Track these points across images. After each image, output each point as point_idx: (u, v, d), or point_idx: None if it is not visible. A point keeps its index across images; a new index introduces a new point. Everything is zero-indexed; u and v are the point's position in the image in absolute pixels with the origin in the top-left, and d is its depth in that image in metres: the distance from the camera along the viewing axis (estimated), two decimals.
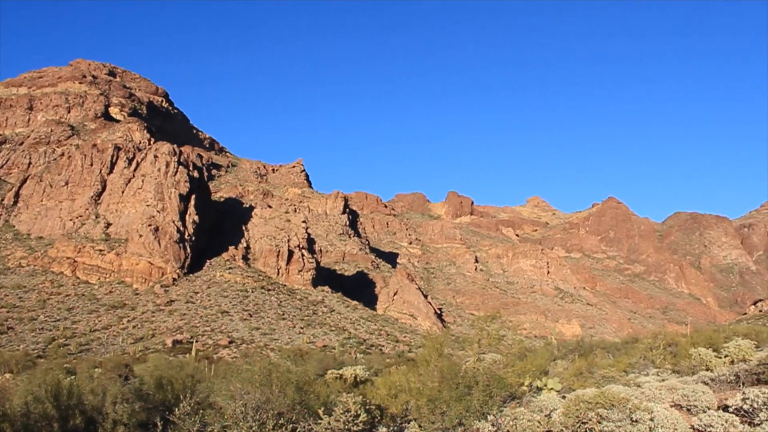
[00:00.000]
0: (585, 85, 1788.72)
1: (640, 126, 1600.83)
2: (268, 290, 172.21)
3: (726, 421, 18.40)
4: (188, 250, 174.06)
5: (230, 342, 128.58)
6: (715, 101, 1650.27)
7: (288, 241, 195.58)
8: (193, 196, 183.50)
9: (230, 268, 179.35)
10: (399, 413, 24.82)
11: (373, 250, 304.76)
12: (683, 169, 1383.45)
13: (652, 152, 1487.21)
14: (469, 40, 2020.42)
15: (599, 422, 19.17)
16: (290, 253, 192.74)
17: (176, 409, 19.67)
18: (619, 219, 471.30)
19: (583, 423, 19.42)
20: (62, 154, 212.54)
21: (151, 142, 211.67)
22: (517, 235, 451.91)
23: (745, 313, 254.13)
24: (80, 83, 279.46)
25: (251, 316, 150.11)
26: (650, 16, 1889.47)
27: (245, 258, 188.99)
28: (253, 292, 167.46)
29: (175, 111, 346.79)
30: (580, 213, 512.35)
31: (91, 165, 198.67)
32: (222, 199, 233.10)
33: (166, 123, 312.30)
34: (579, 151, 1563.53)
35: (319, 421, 19.49)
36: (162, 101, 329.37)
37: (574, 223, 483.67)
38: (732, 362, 36.69)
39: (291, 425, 18.59)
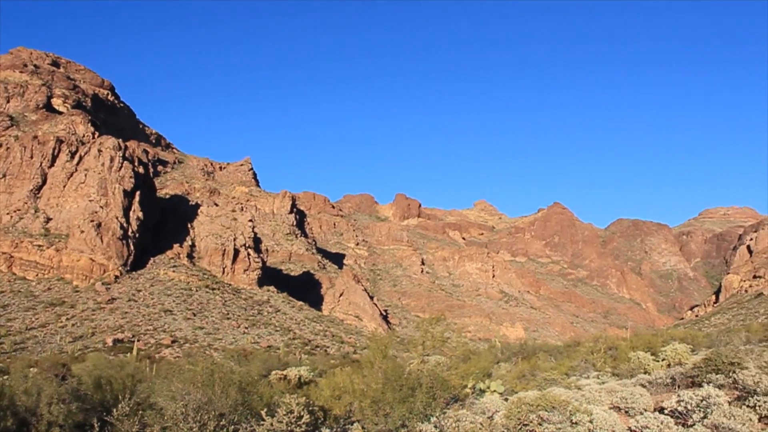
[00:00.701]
0: (531, 91, 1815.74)
1: (585, 133, 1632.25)
2: (213, 289, 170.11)
3: (661, 423, 18.81)
4: (131, 247, 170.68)
5: (173, 341, 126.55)
6: (655, 111, 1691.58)
7: (234, 240, 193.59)
8: (138, 193, 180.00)
9: (174, 266, 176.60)
10: (342, 414, 24.73)
11: (320, 250, 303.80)
12: (626, 176, 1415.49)
13: (596, 159, 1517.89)
14: (420, 42, 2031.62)
15: (540, 424, 19.39)
16: (236, 252, 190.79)
17: (115, 410, 19.20)
18: (563, 224, 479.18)
19: (524, 425, 19.62)
20: (0, 146, 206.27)
21: (96, 136, 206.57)
22: (463, 239, 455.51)
23: (682, 318, 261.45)
24: (21, 72, 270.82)
25: (195, 316, 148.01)
26: (599, 22, 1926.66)
27: (190, 256, 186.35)
28: (197, 291, 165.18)
29: (122, 105, 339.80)
30: (525, 218, 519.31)
31: (31, 157, 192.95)
32: (167, 196, 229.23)
33: (111, 117, 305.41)
34: (526, 157, 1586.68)
35: (262, 423, 19.27)
36: (108, 94, 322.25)
37: (519, 228, 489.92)
38: (669, 365, 37.57)
39: (233, 426, 18.32)
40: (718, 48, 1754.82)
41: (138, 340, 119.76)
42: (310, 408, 20.99)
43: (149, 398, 22.75)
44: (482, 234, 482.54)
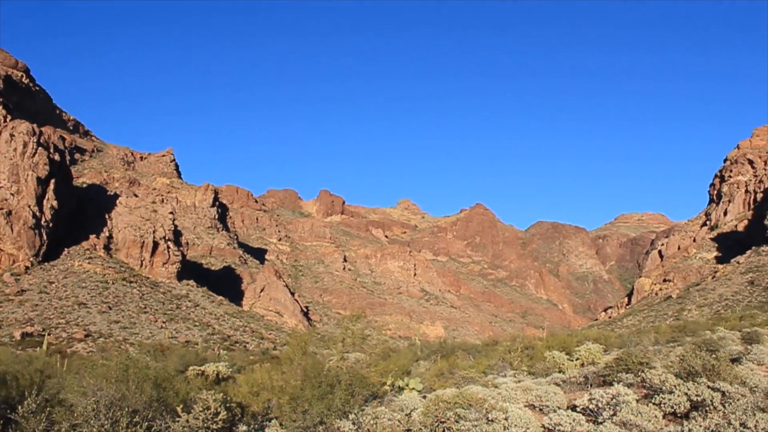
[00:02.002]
0: (455, 93, 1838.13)
1: (509, 136, 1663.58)
2: (130, 282, 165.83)
3: (573, 420, 19.30)
4: (44, 237, 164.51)
5: (86, 335, 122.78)
6: (575, 118, 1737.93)
7: (153, 232, 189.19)
8: (53, 181, 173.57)
9: (90, 257, 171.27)
10: (260, 411, 24.49)
11: (242, 245, 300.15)
12: (547, 180, 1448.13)
13: (519, 163, 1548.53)
14: (346, 42, 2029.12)
15: (457, 421, 19.61)
16: (155, 245, 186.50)
17: (20, 407, 18.42)
18: (485, 225, 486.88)
19: (441, 422, 19.80)
20: None
21: (8, 120, 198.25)
22: (386, 237, 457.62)
23: (597, 319, 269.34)
24: None
25: (110, 309, 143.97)
26: (518, 26, 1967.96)
27: (107, 248, 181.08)
28: (113, 283, 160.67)
29: (37, 88, 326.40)
30: (448, 217, 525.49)
31: None
32: (85, 185, 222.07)
33: (25, 100, 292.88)
34: (450, 157, 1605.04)
35: (177, 419, 18.89)
36: (22, 76, 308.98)
37: (442, 227, 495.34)
38: (582, 365, 38.62)
39: (146, 423, 17.86)
40: (634, 57, 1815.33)
41: (49, 334, 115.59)
42: (228, 404, 20.68)
43: (59, 394, 21.96)
44: (405, 233, 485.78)
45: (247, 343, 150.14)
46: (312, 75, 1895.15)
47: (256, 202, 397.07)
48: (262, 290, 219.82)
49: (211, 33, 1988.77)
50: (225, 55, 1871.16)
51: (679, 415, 19.23)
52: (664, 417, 19.03)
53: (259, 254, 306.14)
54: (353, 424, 19.67)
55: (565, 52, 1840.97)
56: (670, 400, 19.56)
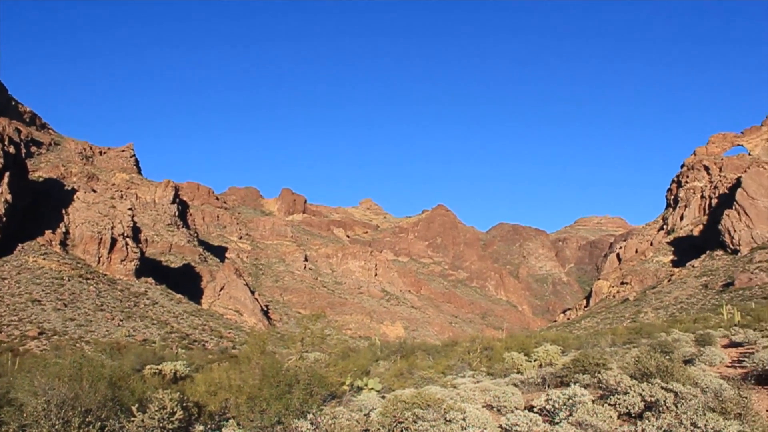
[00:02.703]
0: (419, 92, 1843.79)
1: (471, 138, 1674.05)
2: (87, 279, 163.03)
3: (530, 420, 19.47)
4: None
5: (40, 333, 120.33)
6: (537, 122, 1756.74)
7: (112, 228, 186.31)
8: (7, 174, 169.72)
9: (45, 253, 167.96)
10: (218, 411, 24.27)
11: (202, 242, 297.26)
12: (508, 182, 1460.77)
13: (480, 165, 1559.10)
14: (310, 42, 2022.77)
15: (415, 422, 19.65)
16: (113, 241, 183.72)
17: None
18: (446, 226, 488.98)
19: (399, 422, 19.82)
20: None
21: None
22: (347, 236, 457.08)
23: (555, 321, 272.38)
24: None
25: (66, 306, 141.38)
26: (479, 18, 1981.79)
27: (63, 244, 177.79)
28: (69, 280, 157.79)
29: None
30: (410, 218, 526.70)
31: None
32: (41, 179, 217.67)
33: None
34: (413, 158, 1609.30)
35: (132, 419, 18.60)
36: None
37: (403, 228, 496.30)
38: (540, 366, 39.03)
39: (100, 423, 17.54)
40: (595, 63, 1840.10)
41: (0, 332, 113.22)
42: (184, 404, 20.44)
43: (8, 394, 21.48)
44: (367, 233, 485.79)
45: (206, 341, 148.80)
46: (275, 74, 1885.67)
47: (217, 199, 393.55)
48: (221, 289, 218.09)
49: (173, 28, 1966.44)
50: (188, 51, 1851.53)
51: (633, 415, 19.51)
52: (618, 417, 19.29)
53: (220, 252, 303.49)
54: (311, 424, 19.59)
55: (526, 58, 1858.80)
56: (624, 400, 19.83)
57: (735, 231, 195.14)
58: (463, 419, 19.53)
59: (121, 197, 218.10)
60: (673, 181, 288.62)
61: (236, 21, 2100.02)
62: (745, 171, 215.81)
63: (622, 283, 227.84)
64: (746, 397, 18.09)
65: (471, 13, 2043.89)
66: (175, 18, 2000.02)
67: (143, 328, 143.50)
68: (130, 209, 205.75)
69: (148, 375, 38.95)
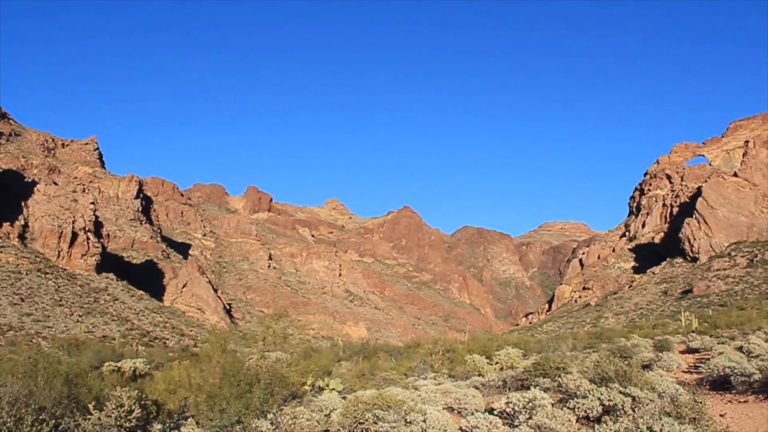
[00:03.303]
0: (387, 95, 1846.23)
1: (437, 141, 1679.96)
2: (45, 273, 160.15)
3: (490, 423, 19.59)
4: None
5: None
6: (501, 127, 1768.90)
7: (73, 222, 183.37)
8: None
9: (2, 246, 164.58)
10: (177, 410, 24.03)
11: (165, 239, 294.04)
12: (474, 186, 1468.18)
13: (447, 168, 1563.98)
14: (277, 36, 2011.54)
15: (375, 423, 19.67)
16: (74, 236, 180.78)
17: None
18: (411, 228, 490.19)
19: (360, 423, 19.82)
20: None
21: None
22: (313, 236, 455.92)
23: (517, 324, 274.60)
24: None
25: (23, 301, 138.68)
26: (446, 27, 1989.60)
27: (21, 237, 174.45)
28: (27, 274, 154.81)
29: None
30: (375, 219, 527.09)
31: None
32: (0, 171, 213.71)
33: None
34: (380, 159, 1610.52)
35: (89, 417, 18.32)
36: None
37: (369, 229, 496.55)
38: (501, 369, 39.34)
39: (54, 421, 17.23)
40: (563, 69, 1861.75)
41: None
42: (143, 402, 20.20)
43: None
44: (332, 233, 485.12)
45: (167, 339, 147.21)
46: (242, 69, 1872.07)
47: (182, 195, 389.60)
48: (184, 286, 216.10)
49: (139, 20, 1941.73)
50: (153, 43, 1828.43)
51: (591, 419, 19.74)
52: (577, 421, 19.51)
53: (183, 249, 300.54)
54: (271, 423, 19.50)
55: (492, 64, 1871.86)
56: (583, 404, 20.06)
57: (695, 239, 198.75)
58: (424, 421, 19.59)
59: (84, 191, 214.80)
60: (636, 188, 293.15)
61: (205, 13, 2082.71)
62: (706, 181, 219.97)
63: (584, 288, 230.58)
64: (701, 402, 18.43)
65: (432, 10, 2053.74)
66: (145, 6, 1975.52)
67: (103, 324, 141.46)
68: (92, 203, 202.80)
69: (107, 372, 38.47)
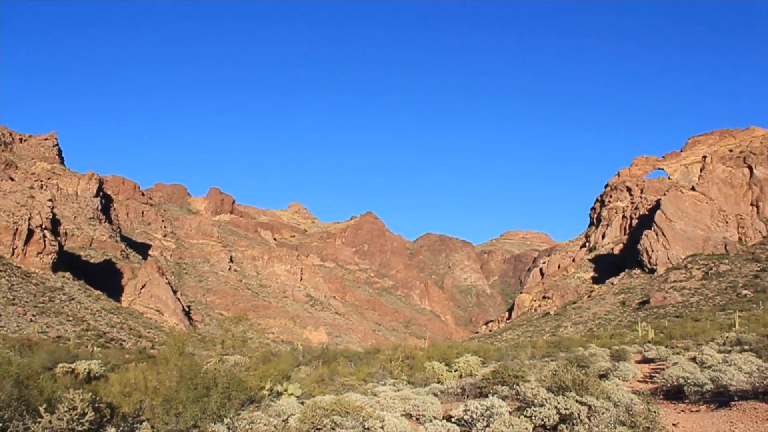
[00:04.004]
0: (351, 99, 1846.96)
1: (401, 147, 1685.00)
2: None
3: (448, 430, 19.63)
4: None
5: None
6: (465, 136, 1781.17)
7: (29, 219, 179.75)
8: None
9: None
10: (131, 413, 23.63)
11: (125, 238, 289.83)
12: (437, 193, 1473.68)
13: (410, 174, 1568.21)
14: (243, 35, 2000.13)
15: (333, 429, 19.58)
16: (30, 233, 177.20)
17: None
18: (374, 234, 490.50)
19: (318, 429, 19.73)
20: None
21: None
22: (275, 239, 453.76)
23: (478, 332, 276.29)
24: None
25: None
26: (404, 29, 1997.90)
27: None
28: None
29: None
30: (338, 224, 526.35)
31: None
32: None
33: None
34: (343, 164, 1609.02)
35: (39, 420, 17.91)
36: None
37: (331, 233, 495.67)
38: (461, 376, 39.48)
39: (2, 423, 16.81)
40: (526, 80, 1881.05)
41: None
42: (96, 405, 19.80)
43: None
44: (294, 236, 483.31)
45: (124, 340, 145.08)
46: (207, 68, 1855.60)
47: (143, 195, 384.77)
48: (143, 287, 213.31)
49: (102, 13, 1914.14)
50: (117, 38, 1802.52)
51: (548, 427, 19.88)
52: (534, 429, 19.62)
53: (143, 249, 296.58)
54: (228, 428, 19.32)
55: (456, 67, 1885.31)
56: (540, 412, 20.19)
57: (652, 251, 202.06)
58: (382, 427, 19.56)
59: (41, 187, 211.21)
60: (597, 200, 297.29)
61: (170, 6, 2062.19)
62: (665, 194, 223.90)
63: (544, 297, 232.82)
64: (654, 411, 18.71)
65: (399, 17, 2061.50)
66: (101, 3, 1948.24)
67: (58, 324, 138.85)
68: (50, 200, 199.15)
69: (60, 374, 37.71)
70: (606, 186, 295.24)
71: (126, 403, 23.59)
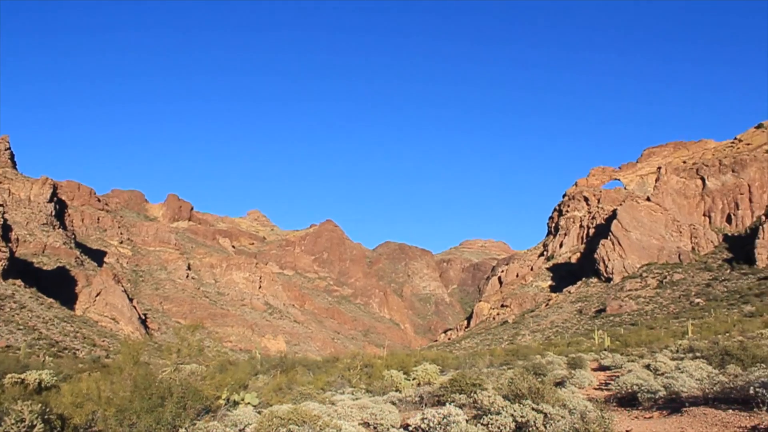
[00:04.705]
0: (313, 105, 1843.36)
1: (360, 154, 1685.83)
2: None
3: None
4: None
5: None
6: (423, 141, 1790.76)
7: None
8: None
9: None
10: (83, 424, 23.15)
11: (79, 245, 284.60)
12: (397, 202, 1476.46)
13: (370, 183, 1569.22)
14: (205, 39, 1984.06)
15: None
16: None
17: None
18: (333, 242, 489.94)
19: None
20: None
21: None
22: (233, 247, 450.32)
23: (436, 340, 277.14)
24: None
25: None
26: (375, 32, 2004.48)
27: None
28: None
29: None
30: (297, 232, 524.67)
31: None
32: None
33: None
34: (303, 171, 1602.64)
35: None
36: None
37: (290, 241, 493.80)
38: (419, 384, 39.52)
39: None
40: (486, 89, 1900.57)
41: None
42: (46, 416, 19.37)
43: None
44: (253, 244, 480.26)
45: (78, 349, 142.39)
46: (164, 72, 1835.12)
47: (99, 201, 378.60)
48: (98, 294, 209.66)
49: (58, 16, 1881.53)
50: (71, 41, 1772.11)
51: None
52: None
53: (98, 256, 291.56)
54: None
55: (416, 74, 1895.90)
56: (497, 420, 20.26)
57: (609, 260, 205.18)
58: None
59: None
60: (555, 209, 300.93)
61: (128, 11, 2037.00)
62: (621, 204, 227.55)
63: (503, 305, 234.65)
64: (608, 418, 18.93)
65: (363, 21, 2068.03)
66: (65, 3, 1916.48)
67: (7, 333, 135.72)
68: (0, 205, 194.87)
69: (8, 384, 36.78)
70: (564, 196, 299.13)
71: (78, 414, 23.10)
